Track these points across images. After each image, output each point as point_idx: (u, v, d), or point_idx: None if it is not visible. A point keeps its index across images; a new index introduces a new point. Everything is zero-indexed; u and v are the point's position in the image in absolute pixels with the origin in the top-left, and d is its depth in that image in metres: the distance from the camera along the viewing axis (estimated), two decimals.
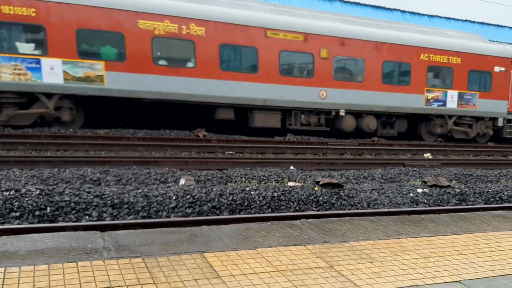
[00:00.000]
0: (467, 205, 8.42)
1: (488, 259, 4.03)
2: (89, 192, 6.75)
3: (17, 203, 6.19)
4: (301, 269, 3.53)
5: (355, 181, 9.90)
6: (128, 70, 13.49)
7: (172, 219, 6.35)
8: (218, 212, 6.98)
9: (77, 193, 6.66)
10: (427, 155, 14.93)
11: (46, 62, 12.71)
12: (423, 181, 9.40)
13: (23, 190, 6.50)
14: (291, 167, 11.01)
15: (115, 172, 8.66)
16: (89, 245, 3.85)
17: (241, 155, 12.51)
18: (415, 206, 8.10)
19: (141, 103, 14.59)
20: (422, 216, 5.81)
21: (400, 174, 10.85)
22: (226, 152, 12.60)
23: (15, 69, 12.45)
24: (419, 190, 8.63)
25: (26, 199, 6.31)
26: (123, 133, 13.56)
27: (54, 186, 6.96)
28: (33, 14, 12.38)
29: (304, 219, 5.23)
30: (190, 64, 14.30)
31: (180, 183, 8.18)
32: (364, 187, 8.72)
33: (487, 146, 18.20)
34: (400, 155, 14.63)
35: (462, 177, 11.01)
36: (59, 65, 12.83)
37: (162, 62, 14.06)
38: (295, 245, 4.11)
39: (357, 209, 7.68)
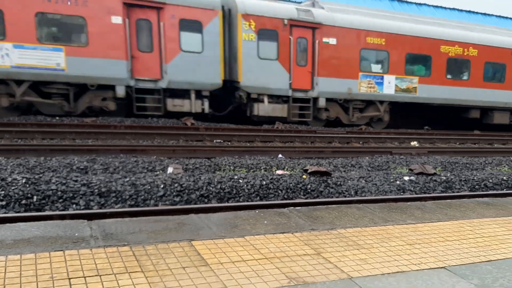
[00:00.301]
0: (453, 192, 8.54)
1: (473, 246, 4.09)
2: (76, 181, 6.71)
3: (3, 192, 6.13)
4: (289, 256, 3.56)
5: (343, 169, 9.96)
6: (431, 83, 18.46)
7: (160, 207, 6.34)
8: (206, 200, 6.99)
9: (64, 181, 6.61)
10: (414, 143, 15.06)
11: (386, 78, 17.75)
12: (410, 169, 9.49)
13: (9, 179, 6.43)
14: (280, 155, 11.03)
15: (102, 161, 8.60)
16: (76, 234, 3.83)
17: (229, 143, 12.50)
18: (401, 193, 8.19)
19: (434, 107, 19.47)
20: (408, 203, 5.87)
21: (388, 162, 10.94)
22: (215, 141, 12.57)
23: (369, 84, 17.51)
24: (406, 178, 8.71)
25: (12, 188, 6.25)
26: (110, 121, 13.45)
27: (41, 175, 6.90)
28: (383, 43, 17.38)
29: (292, 207, 5.26)
30: (465, 77, 19.52)
31: (168, 172, 8.15)
32: (352, 175, 8.78)
33: (473, 134, 18.41)
34: (387, 143, 14.73)
35: (448, 165, 11.13)
36: (393, 80, 17.84)
37: (449, 76, 18.97)
38: (283, 232, 4.13)
39: (345, 196, 7.74)
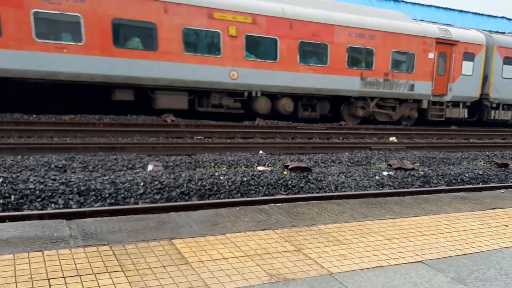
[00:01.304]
0: (431, 187, 8.70)
1: (449, 240, 4.18)
2: (54, 180, 6.62)
3: None
4: (270, 253, 3.58)
5: (323, 164, 10.05)
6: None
7: (140, 205, 6.31)
8: (187, 197, 6.97)
9: (42, 180, 6.52)
10: (393, 138, 15.25)
11: None
12: (389, 164, 9.63)
13: None
14: (261, 152, 11.06)
15: (81, 159, 8.50)
16: (55, 234, 3.79)
17: (210, 140, 12.48)
18: (381, 188, 8.30)
19: None
20: (387, 198, 5.96)
21: (367, 157, 11.07)
22: (195, 137, 12.53)
23: None
24: (385, 173, 8.84)
25: None
26: (89, 118, 13.29)
27: (18, 174, 6.79)
28: None
29: (273, 204, 5.29)
30: None
31: (148, 169, 8.11)
32: (332, 170, 8.86)
33: (450, 129, 18.73)
34: (366, 139, 14.89)
35: (426, 160, 11.32)
36: None
37: None
38: (264, 229, 4.16)
39: (325, 192, 7.81)
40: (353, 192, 7.69)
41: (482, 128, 19.92)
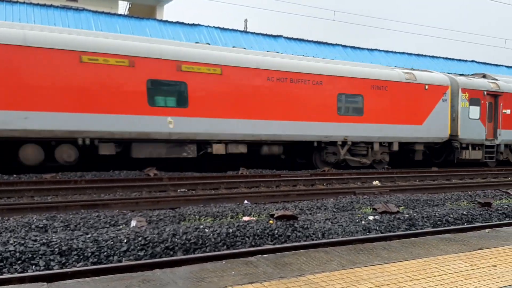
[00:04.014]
0: (417, 229, 8.69)
1: (439, 283, 4.14)
2: (35, 240, 6.44)
3: None
4: None
5: (308, 211, 10.00)
6: None
7: (123, 263, 6.13)
8: (171, 252, 6.82)
9: (23, 241, 6.33)
10: (376, 182, 15.35)
11: None
12: (374, 208, 9.63)
13: None
14: (245, 201, 10.98)
15: (62, 218, 8.31)
16: None
17: (193, 192, 12.37)
18: (367, 233, 8.26)
19: None
20: (374, 243, 5.93)
21: (352, 202, 11.07)
22: (179, 190, 12.42)
23: None
24: (371, 218, 8.82)
25: None
26: (70, 176, 13.12)
27: None
28: None
29: (259, 255, 5.21)
30: None
31: (132, 225, 7.95)
32: (318, 217, 8.82)
33: (431, 171, 18.95)
34: (350, 184, 14.95)
35: (410, 202, 11.37)
36: None
37: None
38: (251, 283, 4.07)
39: (312, 240, 7.73)
40: (340, 239, 7.62)
41: (463, 168, 20.22)
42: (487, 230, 7.01)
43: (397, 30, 60.43)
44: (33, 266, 6.02)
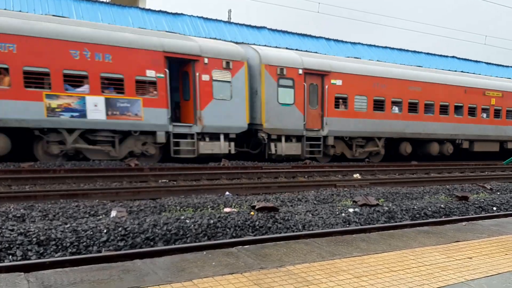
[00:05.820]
0: (395, 222, 8.80)
1: (416, 275, 4.21)
2: (12, 230, 6.33)
3: None
4: None
5: (289, 203, 10.05)
6: None
7: (103, 253, 6.08)
8: (152, 243, 6.79)
9: None
10: (357, 175, 15.50)
11: None
12: (354, 201, 9.72)
13: None
14: (227, 193, 10.98)
15: (40, 207, 8.19)
16: None
17: (175, 183, 12.31)
18: (347, 225, 8.34)
19: None
20: (354, 235, 6.00)
21: (332, 195, 11.15)
22: (160, 181, 12.35)
23: None
24: (351, 210, 8.91)
25: None
26: (49, 165, 12.92)
27: None
28: None
29: (240, 246, 5.21)
30: None
31: (111, 215, 7.88)
32: (299, 209, 8.87)
33: (411, 165, 19.23)
34: (331, 177, 15.06)
35: (389, 195, 11.51)
36: None
37: None
38: (232, 273, 4.08)
39: (293, 231, 7.77)
40: (320, 231, 7.68)
41: (441, 162, 20.54)
42: (463, 223, 7.15)
43: (381, 24, 60.83)
44: (10, 256, 5.92)
